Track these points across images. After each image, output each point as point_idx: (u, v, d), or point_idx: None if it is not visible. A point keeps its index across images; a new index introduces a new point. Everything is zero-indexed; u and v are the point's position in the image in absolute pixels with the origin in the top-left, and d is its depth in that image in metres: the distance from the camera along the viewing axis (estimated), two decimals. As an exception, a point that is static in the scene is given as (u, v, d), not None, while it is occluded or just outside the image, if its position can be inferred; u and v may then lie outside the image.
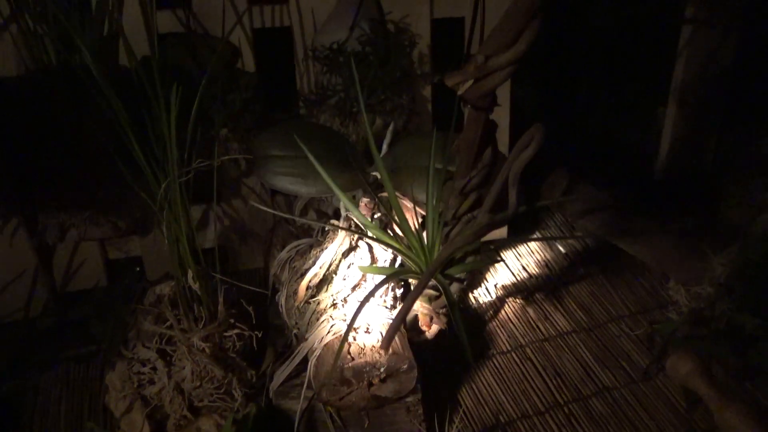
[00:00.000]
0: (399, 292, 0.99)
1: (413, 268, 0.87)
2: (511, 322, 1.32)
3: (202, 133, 1.19)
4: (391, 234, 0.99)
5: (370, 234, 0.94)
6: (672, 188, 1.53)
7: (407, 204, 1.00)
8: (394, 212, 0.87)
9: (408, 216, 0.98)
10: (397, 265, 0.97)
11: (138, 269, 1.47)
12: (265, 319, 1.12)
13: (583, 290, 1.38)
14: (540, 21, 0.61)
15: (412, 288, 0.95)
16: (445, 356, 1.19)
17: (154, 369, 0.96)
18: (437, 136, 0.89)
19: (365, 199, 0.97)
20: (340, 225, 0.98)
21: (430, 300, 0.86)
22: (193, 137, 0.90)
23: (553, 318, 1.32)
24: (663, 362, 1.04)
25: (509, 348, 1.26)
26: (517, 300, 1.37)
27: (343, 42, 1.25)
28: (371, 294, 0.79)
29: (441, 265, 0.77)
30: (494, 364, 1.22)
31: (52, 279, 1.37)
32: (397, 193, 0.99)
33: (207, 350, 0.96)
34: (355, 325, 0.93)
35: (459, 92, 0.69)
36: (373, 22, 1.27)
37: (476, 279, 1.39)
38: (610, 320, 1.31)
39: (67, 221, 1.26)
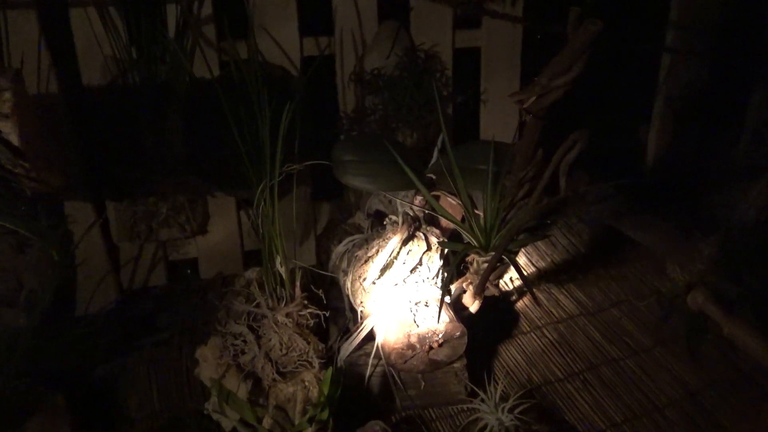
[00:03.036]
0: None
1: (474, 245, 1.08)
2: (528, 308, 1.52)
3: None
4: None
5: (425, 226, 1.14)
6: (659, 191, 1.76)
7: (452, 201, 1.20)
8: (458, 202, 1.09)
9: (453, 211, 1.19)
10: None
11: (188, 271, 1.64)
12: (327, 302, 1.31)
13: (587, 279, 1.60)
14: (588, 55, 0.82)
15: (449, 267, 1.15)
16: (479, 334, 1.39)
17: (245, 341, 1.14)
18: (485, 143, 1.10)
19: (419, 197, 1.18)
20: (400, 218, 1.18)
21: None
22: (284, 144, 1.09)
23: (563, 304, 1.53)
24: (670, 314, 1.28)
25: (529, 329, 1.46)
26: (535, 288, 1.57)
27: (382, 68, 1.47)
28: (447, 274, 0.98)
29: (511, 238, 0.97)
30: (518, 342, 1.42)
31: (119, 277, 1.53)
32: (444, 192, 1.19)
33: (289, 325, 1.14)
34: (415, 301, 1.13)
35: (524, 105, 0.89)
36: (407, 50, 1.48)
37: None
38: (611, 305, 1.52)
39: (142, 222, 1.44)
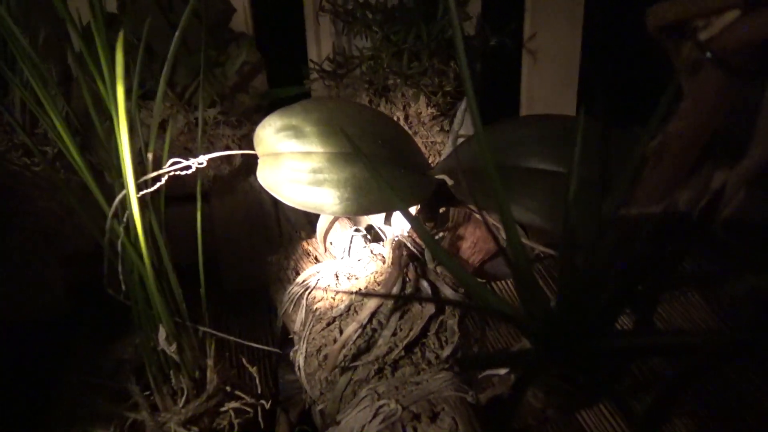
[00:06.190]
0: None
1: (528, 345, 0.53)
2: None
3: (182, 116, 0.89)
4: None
5: (432, 273, 0.63)
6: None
7: (488, 218, 0.68)
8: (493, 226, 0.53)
9: (486, 242, 0.67)
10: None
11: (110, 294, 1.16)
12: (273, 377, 0.81)
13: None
14: None
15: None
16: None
17: (114, 469, 0.65)
18: (554, 121, 0.56)
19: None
20: (388, 249, 0.66)
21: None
22: (160, 126, 0.58)
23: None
24: None
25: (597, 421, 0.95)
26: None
27: (373, -9, 0.93)
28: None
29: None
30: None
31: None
32: (471, 207, 0.67)
33: (191, 440, 0.65)
34: (413, 409, 0.62)
35: (702, 36, 0.35)
36: (412, -37, 0.94)
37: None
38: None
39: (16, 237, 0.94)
